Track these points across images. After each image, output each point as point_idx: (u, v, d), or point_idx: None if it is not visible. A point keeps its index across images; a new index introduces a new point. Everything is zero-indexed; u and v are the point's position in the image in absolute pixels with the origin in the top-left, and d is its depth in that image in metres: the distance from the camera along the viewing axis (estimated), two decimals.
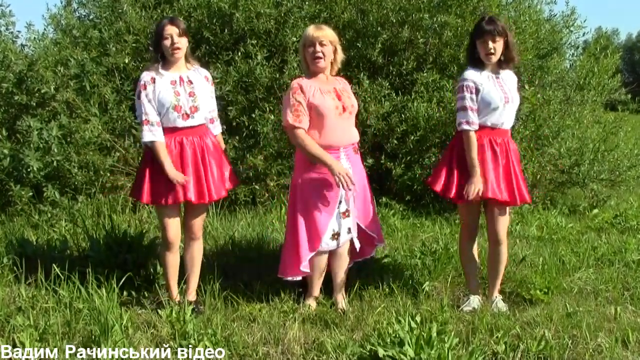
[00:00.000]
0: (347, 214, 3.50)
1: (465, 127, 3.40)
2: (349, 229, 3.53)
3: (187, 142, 3.37)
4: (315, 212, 3.42)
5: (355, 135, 3.58)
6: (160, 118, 3.33)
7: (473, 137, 3.40)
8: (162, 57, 3.40)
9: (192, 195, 3.35)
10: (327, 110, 3.38)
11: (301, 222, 3.45)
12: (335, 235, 3.48)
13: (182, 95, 3.34)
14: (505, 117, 3.45)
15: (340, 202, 3.47)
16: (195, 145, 3.39)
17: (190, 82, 3.40)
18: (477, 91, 3.39)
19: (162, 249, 3.52)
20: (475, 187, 3.38)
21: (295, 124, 3.36)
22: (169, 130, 3.35)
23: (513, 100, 3.46)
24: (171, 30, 3.31)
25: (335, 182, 3.36)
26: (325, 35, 3.43)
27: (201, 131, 3.44)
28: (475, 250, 3.70)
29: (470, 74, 3.43)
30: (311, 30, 3.45)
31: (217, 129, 3.66)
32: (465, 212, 3.63)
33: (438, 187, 3.54)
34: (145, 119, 3.30)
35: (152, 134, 3.30)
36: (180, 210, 3.52)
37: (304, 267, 3.46)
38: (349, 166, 3.46)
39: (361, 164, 3.66)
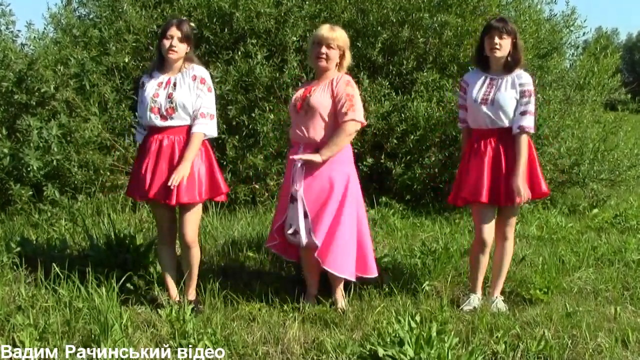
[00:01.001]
0: (307, 215, 3.40)
1: (459, 124, 3.72)
2: (310, 231, 3.39)
3: (168, 142, 3.38)
4: (278, 204, 3.64)
5: (319, 136, 3.39)
6: (144, 118, 3.44)
7: (464, 131, 3.70)
8: (162, 56, 3.44)
9: (156, 194, 3.35)
10: (289, 107, 3.60)
11: None
12: (295, 233, 3.43)
13: (160, 97, 3.36)
14: (485, 117, 3.42)
15: (293, 198, 3.43)
16: (175, 145, 3.37)
17: (175, 84, 3.39)
18: (465, 91, 3.57)
19: (157, 243, 3.67)
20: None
21: None
22: (152, 130, 3.43)
23: (494, 103, 3.37)
24: (174, 32, 3.35)
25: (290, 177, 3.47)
26: (335, 39, 3.41)
27: (185, 132, 3.40)
28: (486, 258, 3.60)
29: (466, 74, 3.62)
30: (323, 29, 3.43)
31: (196, 127, 3.35)
32: (474, 216, 3.59)
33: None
34: (138, 121, 3.60)
35: (139, 135, 3.59)
36: (172, 208, 3.53)
37: (267, 241, 3.68)
38: (300, 163, 3.38)
39: (333, 171, 3.41)
